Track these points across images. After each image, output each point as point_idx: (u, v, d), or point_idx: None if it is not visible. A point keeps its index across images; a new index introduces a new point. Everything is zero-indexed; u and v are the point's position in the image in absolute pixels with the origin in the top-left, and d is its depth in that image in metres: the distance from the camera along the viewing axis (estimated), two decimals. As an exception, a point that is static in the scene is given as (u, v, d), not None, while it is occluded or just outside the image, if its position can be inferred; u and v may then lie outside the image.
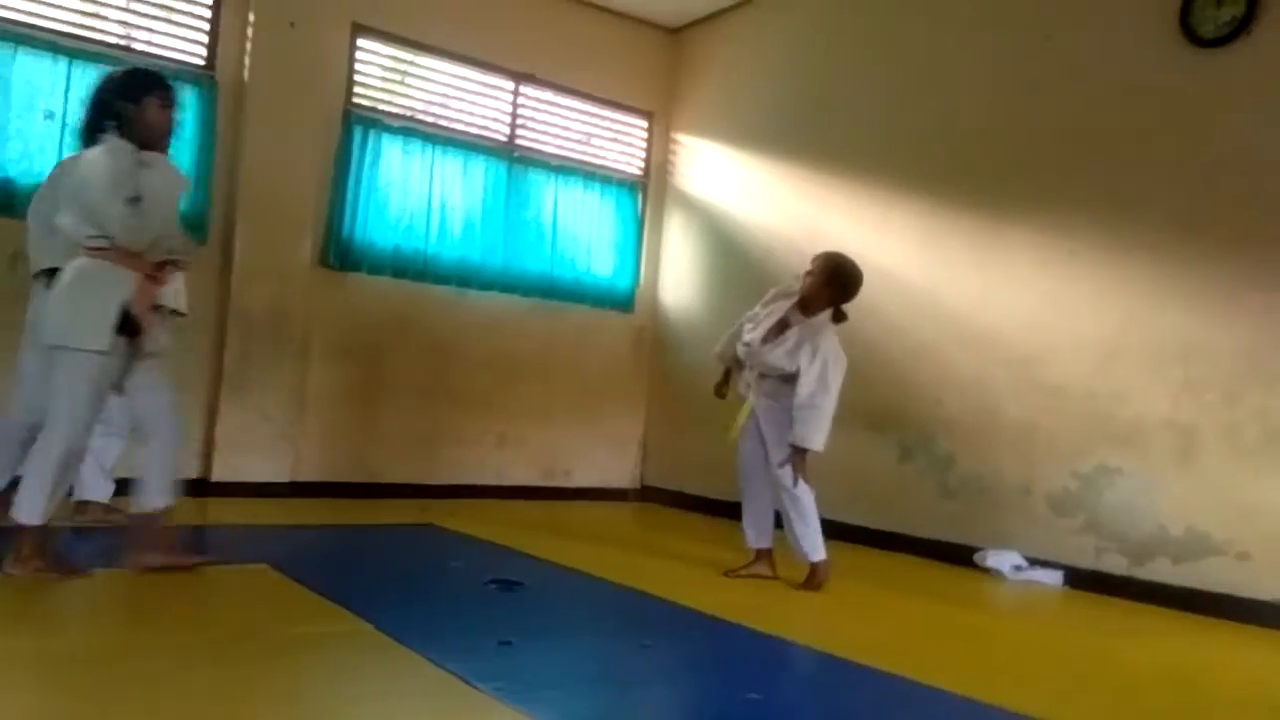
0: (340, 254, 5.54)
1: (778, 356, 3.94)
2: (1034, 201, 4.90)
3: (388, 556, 4.06)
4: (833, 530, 4.56)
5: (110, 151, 2.99)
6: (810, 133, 6.02)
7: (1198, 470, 4.24)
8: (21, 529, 2.93)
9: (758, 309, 4.14)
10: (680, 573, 4.08)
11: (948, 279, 5.21)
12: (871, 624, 3.62)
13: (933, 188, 5.35)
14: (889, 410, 5.32)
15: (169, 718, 1.94)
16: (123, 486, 3.81)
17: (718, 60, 6.75)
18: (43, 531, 2.96)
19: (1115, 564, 4.45)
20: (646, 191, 6.89)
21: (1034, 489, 4.78)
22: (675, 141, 6.96)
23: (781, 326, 3.99)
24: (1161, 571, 4.29)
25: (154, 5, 5.03)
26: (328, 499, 5.35)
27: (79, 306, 2.95)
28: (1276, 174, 4.13)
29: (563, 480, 6.49)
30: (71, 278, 2.99)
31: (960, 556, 4.88)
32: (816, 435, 3.87)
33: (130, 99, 3.04)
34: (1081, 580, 4.51)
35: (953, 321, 5.15)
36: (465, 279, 6.01)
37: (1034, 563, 4.67)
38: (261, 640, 2.55)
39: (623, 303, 6.77)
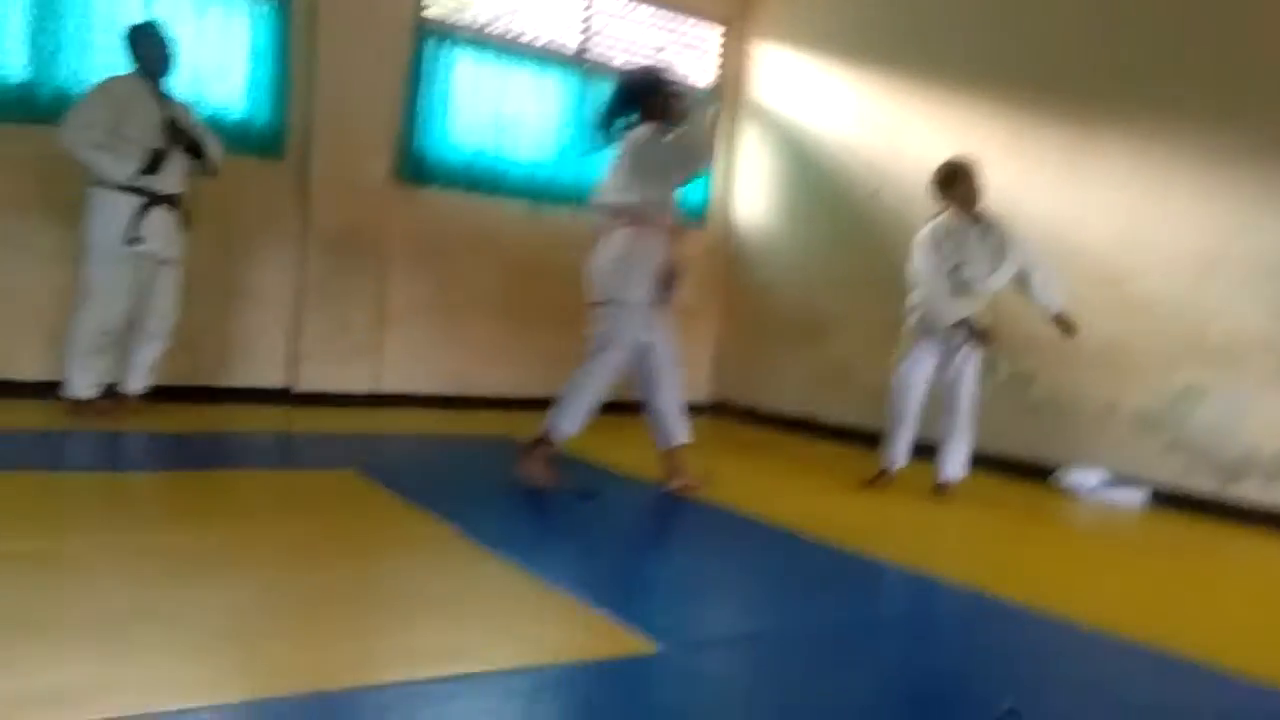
0: (414, 168, 5.56)
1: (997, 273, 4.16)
2: (1128, 108, 4.66)
3: (471, 466, 4.17)
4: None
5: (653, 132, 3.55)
6: (892, 39, 5.79)
7: (1296, 388, 4.09)
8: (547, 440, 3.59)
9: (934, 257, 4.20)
10: (753, 486, 4.11)
11: (1035, 191, 5.02)
12: (952, 538, 3.62)
13: (1021, 96, 5.12)
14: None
15: (257, 615, 2.03)
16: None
17: (796, -37, 6.49)
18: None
19: (1203, 483, 4.34)
20: (722, 103, 6.73)
21: (1119, 406, 4.66)
22: (751, 50, 6.75)
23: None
24: (1254, 491, 4.18)
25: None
26: (410, 409, 5.49)
27: (630, 268, 3.57)
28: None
29: (640, 394, 6.52)
30: (625, 244, 3.58)
31: (1038, 473, 4.81)
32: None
33: (657, 92, 3.62)
34: (1166, 499, 4.42)
35: (1040, 235, 4.96)
36: (539, 193, 5.99)
37: (1117, 480, 4.59)
38: (349, 541, 2.65)
39: (696, 216, 6.69)
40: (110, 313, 4.10)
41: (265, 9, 4.98)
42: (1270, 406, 4.16)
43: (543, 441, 3.59)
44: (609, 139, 3.73)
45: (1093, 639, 2.37)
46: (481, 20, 5.79)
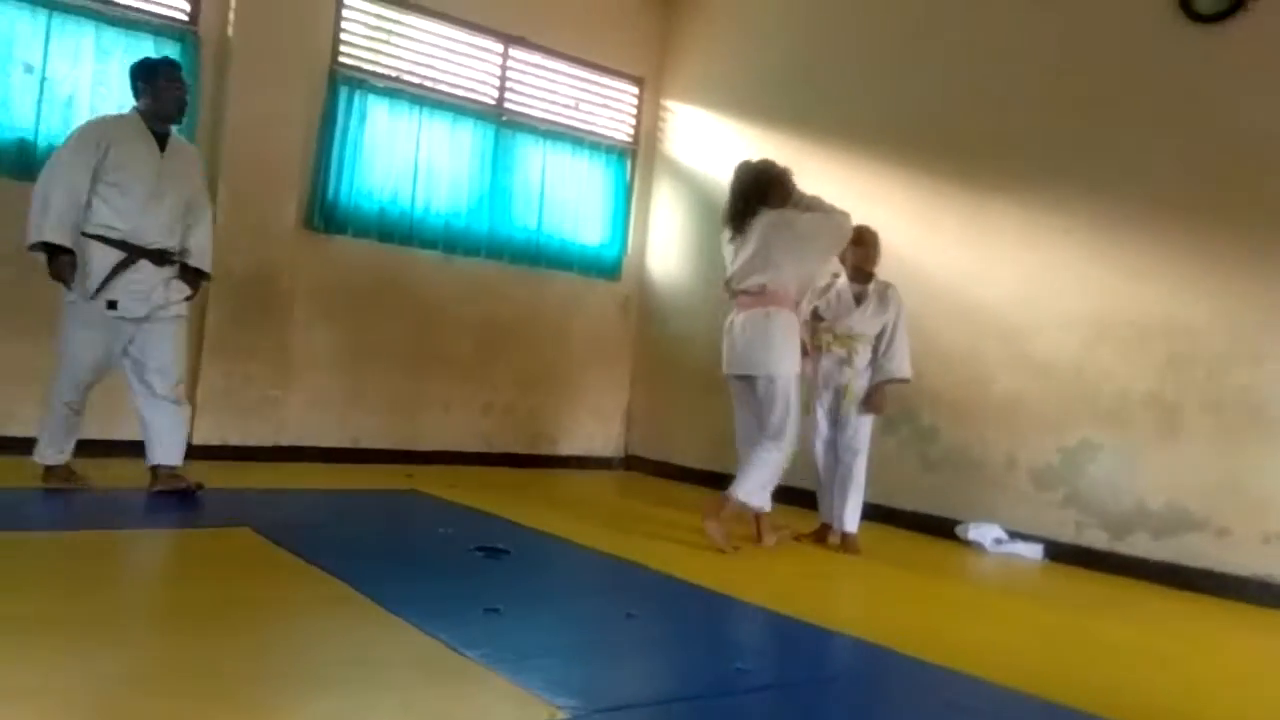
0: (325, 216, 5.46)
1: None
2: (1025, 176, 4.89)
3: (372, 522, 4.05)
4: (814, 501, 4.59)
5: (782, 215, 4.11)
6: (800, 101, 5.97)
7: (1180, 446, 4.28)
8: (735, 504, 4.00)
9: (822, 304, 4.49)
10: (666, 542, 4.09)
11: (937, 251, 5.20)
12: (854, 594, 3.65)
13: (923, 159, 5.32)
14: (875, 382, 5.32)
15: (149, 683, 1.92)
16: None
17: (709, 27, 6.67)
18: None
19: (1096, 538, 4.49)
20: (635, 158, 6.83)
21: (1017, 463, 4.81)
22: (665, 108, 6.88)
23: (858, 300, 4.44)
24: (1141, 546, 4.34)
25: (134, -43, 4.91)
26: (311, 463, 5.32)
27: (788, 346, 4.03)
28: (1266, 152, 4.13)
29: (549, 449, 6.48)
30: (783, 325, 4.03)
31: (941, 529, 4.92)
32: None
33: (782, 182, 4.17)
34: (1062, 554, 4.55)
35: (940, 294, 5.14)
36: (451, 243, 5.95)
37: (1015, 536, 4.71)
38: (244, 605, 2.53)
39: (609, 270, 6.73)
40: (74, 378, 3.74)
41: (173, 48, 4.87)
42: (1156, 463, 4.34)
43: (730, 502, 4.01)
44: (742, 228, 4.15)
45: (997, 694, 2.40)
46: (397, 69, 5.77)
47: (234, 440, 5.11)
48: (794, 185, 4.17)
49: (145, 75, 3.79)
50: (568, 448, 6.57)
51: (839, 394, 4.39)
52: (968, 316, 5.05)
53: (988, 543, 4.70)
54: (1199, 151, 4.31)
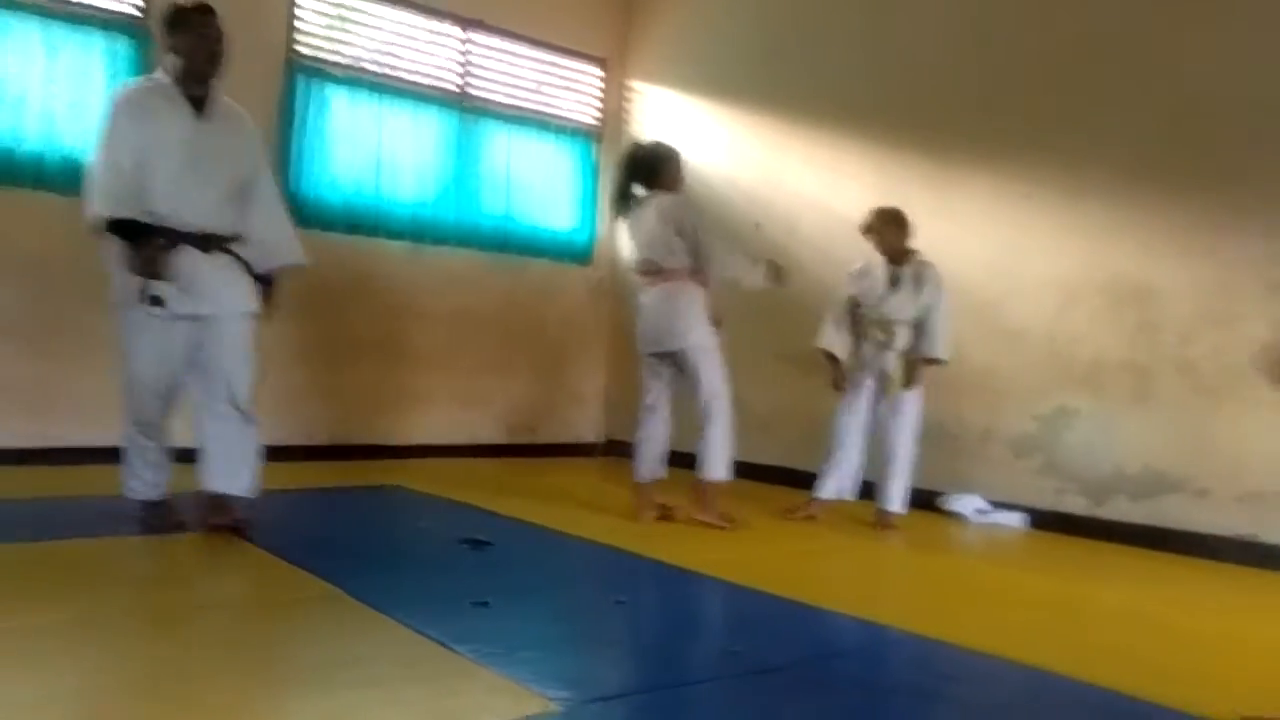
0: (289, 210, 5.35)
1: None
2: (992, 145, 4.89)
3: (353, 519, 3.99)
4: (798, 479, 4.59)
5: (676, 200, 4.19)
6: (767, 78, 5.93)
7: (1154, 410, 4.32)
8: (713, 484, 4.04)
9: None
10: (649, 527, 4.07)
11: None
12: (844, 570, 3.65)
13: (892, 133, 5.31)
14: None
15: (138, 688, 1.87)
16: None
17: (671, 6, 6.60)
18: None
19: (1075, 504, 4.53)
20: (602, 140, 6.77)
21: (995, 432, 4.83)
22: (630, 89, 6.82)
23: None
24: (1120, 509, 4.38)
25: (79, -50, 4.76)
26: (288, 462, 5.23)
27: (697, 317, 4.06)
28: (1229, 117, 4.15)
29: (527, 437, 6.44)
30: (689, 299, 4.07)
31: (924, 501, 4.93)
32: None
33: (671, 165, 4.24)
34: (1043, 521, 4.59)
35: (914, 268, 5.13)
36: (419, 233, 5.87)
37: (996, 505, 4.74)
38: (227, 608, 2.48)
39: (581, 255, 6.68)
40: (135, 395, 3.19)
41: (122, 44, 4.74)
42: (1132, 427, 4.38)
43: (709, 486, 4.05)
44: (625, 208, 4.24)
45: (990, 665, 2.40)
46: (357, 58, 5.67)
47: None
48: (681, 171, 4.24)
49: (170, 26, 3.15)
50: (547, 435, 6.53)
51: (883, 379, 4.40)
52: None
53: (970, 513, 4.72)
54: (1162, 118, 4.32)
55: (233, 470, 3.27)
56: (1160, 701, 2.17)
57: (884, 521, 4.37)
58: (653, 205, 4.12)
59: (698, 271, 4.08)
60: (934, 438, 5.03)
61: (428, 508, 4.24)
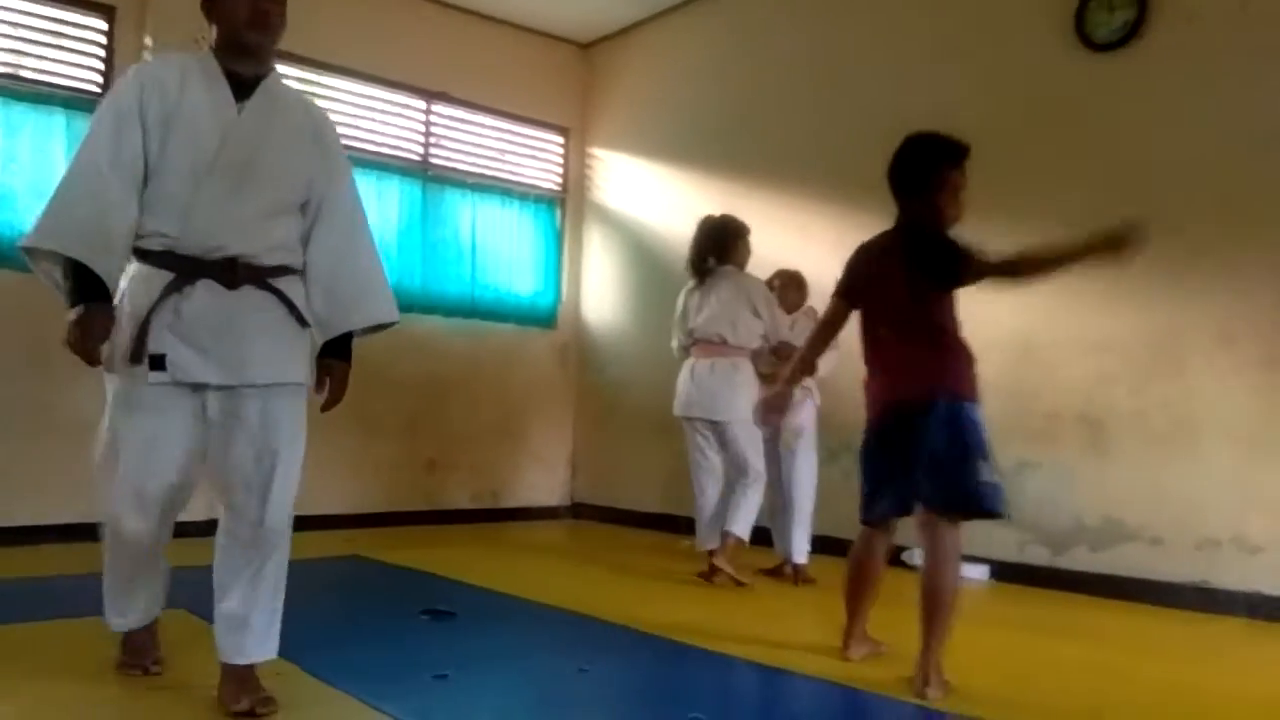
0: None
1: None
2: (944, 206, 5.02)
3: (311, 592, 3.92)
4: (759, 536, 4.60)
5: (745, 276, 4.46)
6: (726, 144, 6.08)
7: (1110, 461, 4.39)
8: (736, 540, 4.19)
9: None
10: (615, 591, 4.05)
11: (865, 284, 5.29)
12: (812, 632, 3.64)
13: (851, 196, 5.43)
14: (814, 416, 5.38)
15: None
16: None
17: (630, 75, 6.77)
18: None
19: (1038, 555, 4.57)
20: (565, 207, 6.87)
21: (957, 486, 4.87)
22: (592, 156, 6.95)
23: None
24: (1081, 560, 4.43)
25: (42, 31, 4.81)
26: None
27: (750, 395, 4.17)
28: (1170, 172, 4.31)
29: (492, 502, 6.40)
30: (747, 376, 4.31)
31: (888, 557, 4.94)
32: None
33: (742, 240, 4.49)
34: (1007, 573, 4.62)
35: (872, 326, 5.23)
36: (384, 302, 5.88)
37: (962, 558, 4.76)
38: (183, 691, 2.43)
39: (545, 320, 6.73)
40: (122, 494, 2.22)
41: (82, 122, 4.78)
42: (1089, 477, 4.44)
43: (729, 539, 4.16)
44: (703, 280, 4.38)
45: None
46: (319, 131, 5.73)
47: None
48: (749, 247, 4.45)
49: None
50: (512, 499, 6.50)
51: (775, 430, 4.44)
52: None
53: (934, 567, 4.74)
54: (1106, 176, 4.47)
55: (261, 628, 2.25)
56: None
57: (800, 575, 4.42)
58: (730, 280, 4.30)
59: (761, 351, 4.33)
60: (897, 493, 5.07)
61: (386, 578, 4.20)
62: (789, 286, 4.67)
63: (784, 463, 4.45)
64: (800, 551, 4.42)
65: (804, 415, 4.44)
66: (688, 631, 3.25)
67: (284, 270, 2.23)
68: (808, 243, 5.54)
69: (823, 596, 4.19)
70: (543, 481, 6.71)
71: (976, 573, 4.67)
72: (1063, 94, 4.62)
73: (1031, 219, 4.68)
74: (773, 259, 4.98)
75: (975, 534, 4.75)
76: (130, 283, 2.16)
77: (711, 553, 4.21)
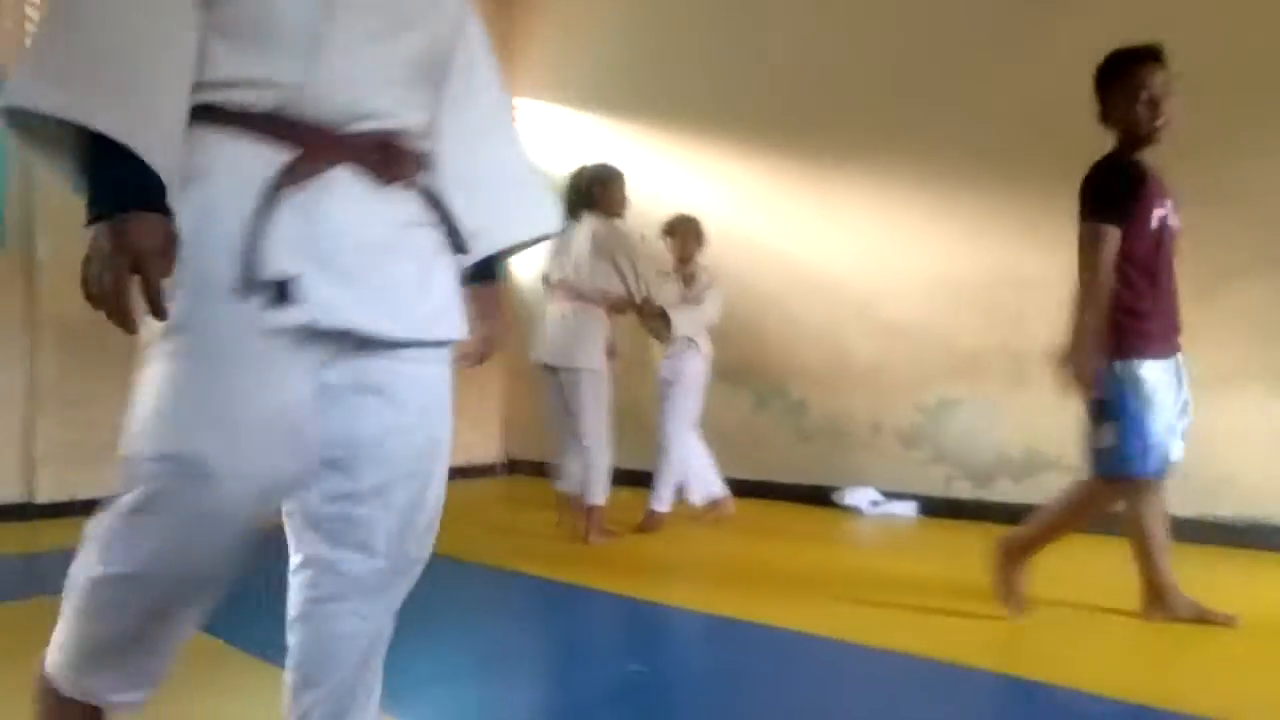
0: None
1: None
2: (865, 147, 5.05)
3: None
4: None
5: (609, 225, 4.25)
6: (646, 90, 6.00)
7: (1030, 394, 4.51)
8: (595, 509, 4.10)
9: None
10: (547, 542, 4.05)
11: (791, 229, 5.32)
12: (743, 575, 3.70)
13: (772, 140, 5.43)
14: (741, 362, 5.43)
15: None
16: None
17: (548, 23, 6.63)
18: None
19: (963, 489, 4.70)
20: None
21: (884, 425, 4.98)
22: (513, 105, 6.80)
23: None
24: (1004, 491, 4.56)
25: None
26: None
27: (597, 345, 4.20)
28: (1087, 110, 4.37)
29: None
30: (593, 324, 4.22)
31: (820, 498, 5.05)
32: None
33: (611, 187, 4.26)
34: (934, 508, 4.74)
35: (798, 270, 5.27)
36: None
37: (889, 496, 4.88)
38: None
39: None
40: (222, 521, 1.31)
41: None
42: (1013, 410, 4.57)
43: (594, 511, 4.09)
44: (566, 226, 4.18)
45: (884, 659, 2.47)
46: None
47: (83, 495, 4.79)
48: (623, 193, 4.30)
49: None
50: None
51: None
52: (825, 290, 5.19)
53: (864, 505, 4.85)
54: (1026, 112, 4.53)
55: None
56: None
57: (649, 523, 4.44)
58: (587, 230, 4.19)
59: (620, 300, 4.22)
60: (826, 433, 5.16)
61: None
62: (689, 234, 4.61)
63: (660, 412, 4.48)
64: (660, 499, 4.44)
65: (680, 365, 4.46)
66: (616, 581, 3.26)
67: (427, 164, 1.39)
68: (731, 188, 5.53)
69: (744, 537, 4.25)
70: (475, 441, 6.65)
71: (904, 509, 4.79)
72: (989, 28, 4.64)
73: (958, 156, 4.74)
74: (695, 204, 4.97)
75: (903, 471, 4.89)
76: (225, 159, 1.19)
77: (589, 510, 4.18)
